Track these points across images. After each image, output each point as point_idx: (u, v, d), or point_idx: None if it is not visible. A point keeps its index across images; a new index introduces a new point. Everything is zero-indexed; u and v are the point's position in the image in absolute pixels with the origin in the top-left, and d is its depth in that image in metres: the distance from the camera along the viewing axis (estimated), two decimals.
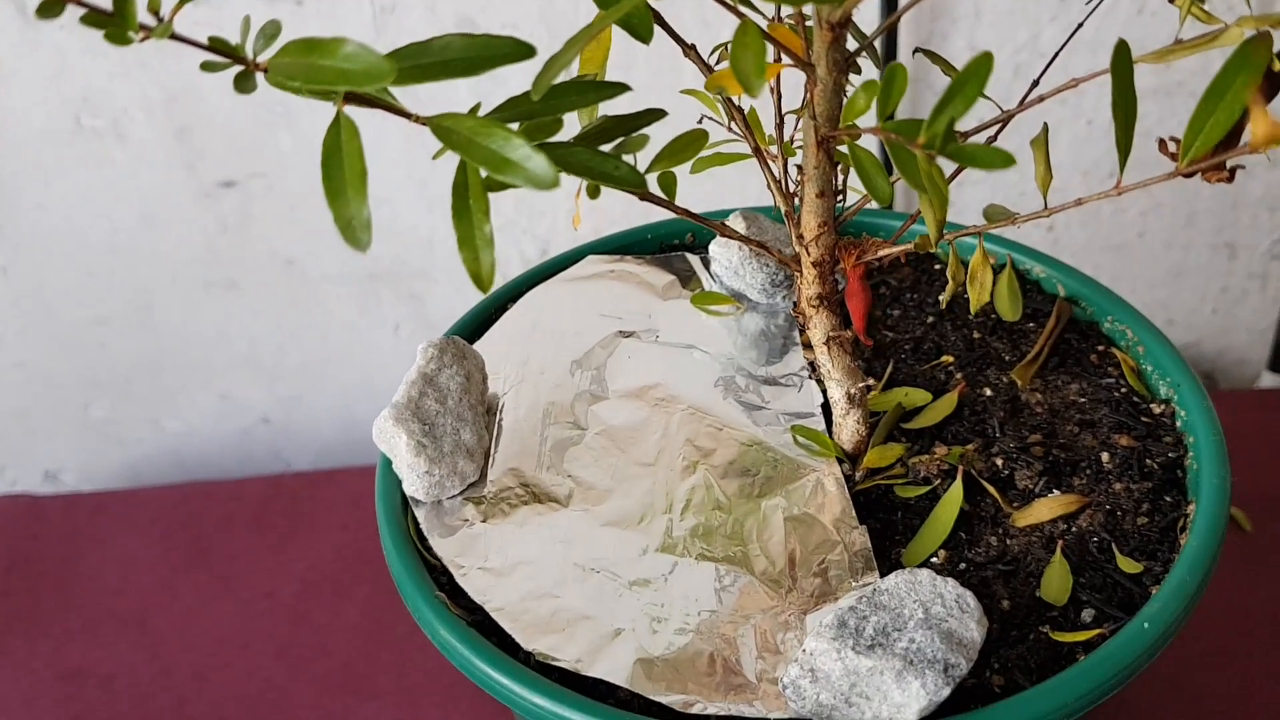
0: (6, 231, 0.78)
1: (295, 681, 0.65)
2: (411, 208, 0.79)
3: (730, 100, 0.42)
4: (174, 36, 0.29)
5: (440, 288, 0.82)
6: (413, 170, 0.77)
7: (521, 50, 0.31)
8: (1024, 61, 0.73)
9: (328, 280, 0.82)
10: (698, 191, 0.80)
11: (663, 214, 0.60)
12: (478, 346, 0.51)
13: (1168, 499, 0.43)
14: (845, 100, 0.35)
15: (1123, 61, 0.33)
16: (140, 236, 0.79)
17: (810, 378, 0.48)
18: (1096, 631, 0.38)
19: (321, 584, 0.71)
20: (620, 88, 0.34)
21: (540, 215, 0.79)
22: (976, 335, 0.51)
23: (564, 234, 0.80)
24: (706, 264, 0.55)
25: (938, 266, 0.55)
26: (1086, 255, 0.81)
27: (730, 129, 0.44)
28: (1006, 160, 0.28)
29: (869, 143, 0.34)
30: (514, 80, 0.39)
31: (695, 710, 0.37)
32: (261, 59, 0.31)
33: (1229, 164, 0.35)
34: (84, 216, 0.78)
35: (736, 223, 0.53)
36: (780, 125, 0.42)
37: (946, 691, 0.34)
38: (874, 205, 0.76)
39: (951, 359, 0.50)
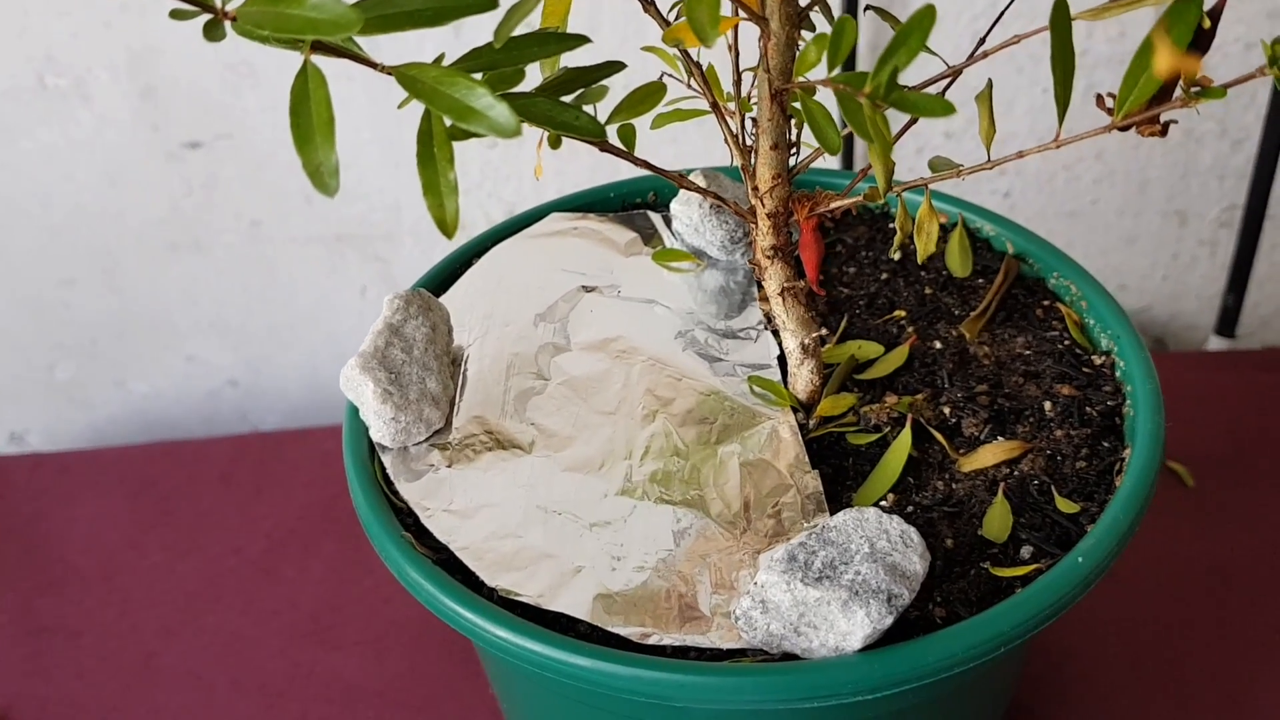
0: None
1: (263, 634, 0.66)
2: (377, 170, 0.79)
3: (689, 57, 0.43)
4: None
5: (406, 250, 0.83)
6: (378, 133, 0.77)
7: (484, 2, 0.32)
8: (980, 28, 0.75)
9: (294, 242, 0.82)
10: (663, 154, 0.81)
11: (627, 176, 0.61)
12: (444, 300, 0.52)
13: (1105, 444, 0.45)
14: (798, 54, 0.37)
15: (1061, 17, 0.34)
16: (105, 197, 0.79)
17: (767, 330, 0.50)
18: (1034, 567, 0.40)
19: (288, 541, 0.71)
20: (580, 39, 0.35)
21: (505, 179, 0.80)
22: (928, 291, 0.52)
23: (529, 197, 0.81)
24: (668, 222, 0.56)
25: (891, 226, 0.57)
26: (1041, 221, 0.83)
27: (690, 85, 0.45)
28: (946, 108, 0.30)
29: (821, 96, 0.36)
30: (474, 36, 0.41)
31: (651, 641, 0.38)
32: (230, 8, 0.32)
33: (1162, 118, 0.36)
34: (48, 177, 0.78)
35: (697, 180, 0.54)
36: (737, 81, 0.43)
37: (890, 620, 0.36)
38: (828, 164, 0.77)
39: (904, 313, 0.51)
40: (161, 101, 0.76)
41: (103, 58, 0.74)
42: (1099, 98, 0.37)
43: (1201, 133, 0.80)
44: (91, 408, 0.88)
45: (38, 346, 0.85)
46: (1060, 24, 0.34)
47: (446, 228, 0.34)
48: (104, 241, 0.81)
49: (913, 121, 0.40)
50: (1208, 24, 0.35)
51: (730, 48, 0.43)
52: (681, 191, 0.55)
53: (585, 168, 0.79)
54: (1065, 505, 0.42)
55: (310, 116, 0.32)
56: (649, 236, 0.56)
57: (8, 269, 0.82)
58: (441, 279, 0.54)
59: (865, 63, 0.75)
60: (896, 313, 0.51)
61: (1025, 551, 0.41)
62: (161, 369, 0.87)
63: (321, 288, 0.84)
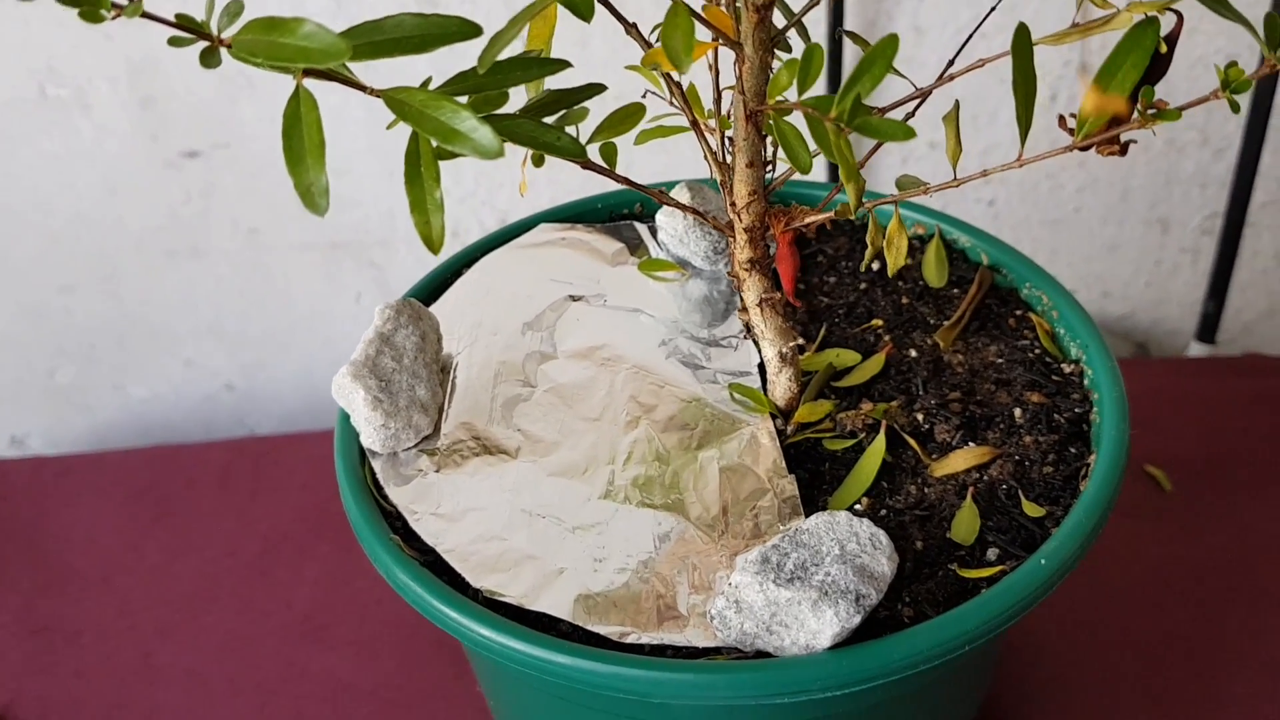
0: None
1: (258, 634, 0.67)
2: (372, 178, 0.81)
3: (670, 76, 0.44)
4: (144, 14, 0.31)
5: (400, 256, 0.85)
6: (374, 141, 0.79)
7: (468, 29, 0.34)
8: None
9: (290, 249, 0.84)
10: (654, 164, 0.82)
11: (616, 187, 0.62)
12: (434, 309, 0.53)
13: (1072, 450, 0.46)
14: (771, 77, 0.38)
15: (1023, 43, 0.36)
16: (105, 205, 0.81)
17: (748, 338, 0.51)
18: (999, 568, 0.42)
19: (283, 543, 0.73)
20: (561, 64, 0.36)
21: (499, 187, 0.82)
22: (905, 301, 0.54)
23: (522, 205, 0.82)
24: (654, 232, 0.58)
25: None
26: (1025, 229, 0.85)
27: (671, 103, 0.46)
28: (907, 133, 0.31)
29: (794, 117, 0.37)
30: (471, 56, 0.42)
31: (629, 640, 0.40)
32: (225, 35, 0.33)
33: (1122, 138, 0.38)
34: (48, 185, 0.80)
35: (681, 193, 0.56)
36: (717, 100, 0.45)
37: (858, 619, 0.38)
38: (812, 174, 0.78)
39: (881, 322, 0.53)
40: (160, 111, 0.77)
41: (103, 69, 0.75)
42: (1061, 118, 0.38)
43: (1184, 142, 0.81)
44: (91, 411, 0.90)
45: (38, 351, 0.87)
46: (1022, 50, 0.36)
47: (433, 244, 0.35)
48: (104, 248, 0.83)
49: (880, 143, 0.42)
50: (1164, 49, 0.36)
51: (711, 67, 0.45)
52: None
53: (578, 176, 0.80)
54: (1031, 509, 0.44)
55: (302, 139, 0.33)
56: (635, 247, 0.57)
57: (9, 275, 0.83)
58: (432, 288, 0.55)
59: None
60: (874, 322, 0.53)
61: (991, 554, 0.43)
62: (160, 373, 0.89)
63: (317, 294, 0.86)
